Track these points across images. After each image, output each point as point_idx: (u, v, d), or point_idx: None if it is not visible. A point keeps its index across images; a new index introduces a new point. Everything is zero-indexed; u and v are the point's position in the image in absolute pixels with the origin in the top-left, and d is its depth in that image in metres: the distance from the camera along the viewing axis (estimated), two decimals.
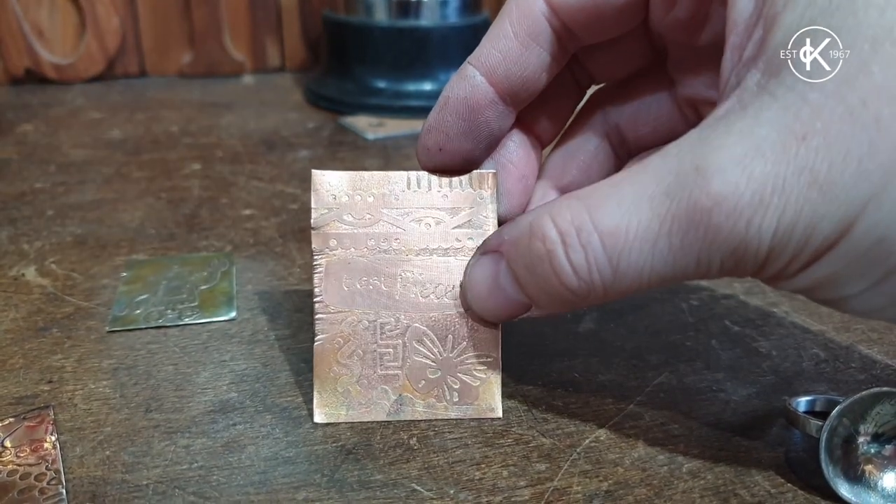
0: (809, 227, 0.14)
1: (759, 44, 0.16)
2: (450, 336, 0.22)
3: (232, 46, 0.66)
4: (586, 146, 0.23)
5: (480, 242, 0.21)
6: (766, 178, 0.14)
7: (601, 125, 0.23)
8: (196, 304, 0.28)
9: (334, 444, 0.21)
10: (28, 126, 0.51)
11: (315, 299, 0.22)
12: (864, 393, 0.18)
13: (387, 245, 0.22)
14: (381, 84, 0.55)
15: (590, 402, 0.23)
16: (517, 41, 0.20)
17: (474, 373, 0.22)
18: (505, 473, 0.20)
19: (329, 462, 0.20)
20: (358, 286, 0.22)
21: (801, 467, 0.20)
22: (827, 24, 0.14)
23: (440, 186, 0.22)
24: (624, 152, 0.24)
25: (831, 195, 0.14)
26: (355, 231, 0.22)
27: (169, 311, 0.27)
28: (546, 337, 0.26)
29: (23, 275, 0.30)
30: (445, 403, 0.22)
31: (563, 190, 0.24)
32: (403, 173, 0.22)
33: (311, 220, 0.22)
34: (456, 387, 0.22)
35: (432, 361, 0.22)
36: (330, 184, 0.22)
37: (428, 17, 0.55)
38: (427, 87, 0.55)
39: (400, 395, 0.22)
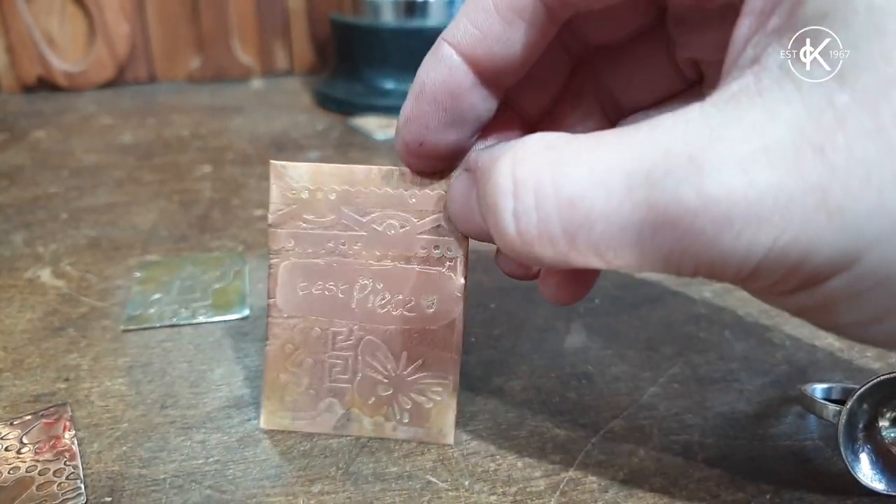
0: (807, 253, 0.12)
1: (788, 14, 0.13)
2: (405, 352, 0.20)
3: (240, 51, 0.67)
4: (575, 115, 0.21)
5: (447, 251, 0.20)
6: (770, 189, 0.12)
7: (591, 91, 0.21)
8: (209, 302, 0.28)
9: (349, 438, 0.21)
10: (41, 133, 0.51)
11: (268, 301, 0.20)
12: (882, 377, 0.18)
13: (346, 248, 0.20)
14: (390, 85, 0.56)
15: (604, 393, 0.23)
16: (499, 16, 0.17)
17: (428, 394, 0.20)
18: (519, 465, 0.20)
19: (344, 455, 0.20)
20: (313, 291, 0.20)
21: (818, 455, 0.20)
22: None
23: (409, 185, 0.20)
24: (618, 118, 0.21)
25: (840, 223, 0.12)
26: (314, 231, 0.20)
27: (183, 310, 0.27)
28: (559, 330, 0.26)
29: (38, 276, 0.30)
30: (394, 423, 0.20)
31: None
32: (370, 168, 0.20)
33: (269, 217, 0.20)
34: (407, 407, 0.20)
35: (384, 378, 0.20)
36: (290, 177, 0.20)
37: (435, 17, 0.55)
38: None
39: (348, 409, 0.20)
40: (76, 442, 0.20)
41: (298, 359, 0.21)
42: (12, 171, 0.43)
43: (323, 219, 0.20)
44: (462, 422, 0.21)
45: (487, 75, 0.18)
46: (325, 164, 0.20)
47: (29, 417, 0.21)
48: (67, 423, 0.21)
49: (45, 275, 0.30)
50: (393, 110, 0.54)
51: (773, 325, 0.26)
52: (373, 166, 0.20)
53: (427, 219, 0.20)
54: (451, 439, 0.20)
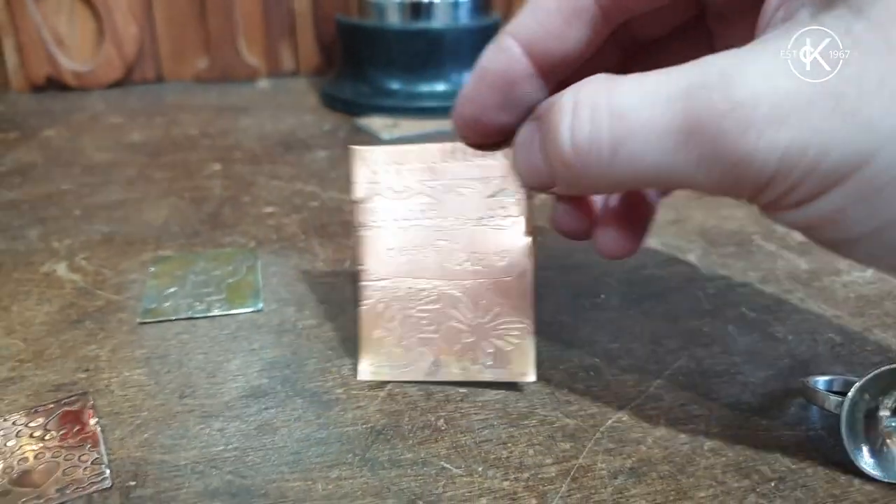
0: (823, 152, 0.14)
1: None
2: (483, 302, 0.23)
3: (247, 52, 0.67)
4: None
5: (513, 212, 0.22)
6: (789, 94, 0.14)
7: None
8: (223, 296, 0.28)
9: (364, 426, 0.21)
10: (51, 131, 0.52)
11: (359, 268, 0.23)
12: (884, 368, 0.18)
13: (423, 216, 0.23)
14: (395, 85, 0.56)
15: (611, 384, 0.23)
16: (560, 16, 0.19)
17: (507, 338, 0.22)
18: (531, 452, 0.20)
19: (360, 442, 0.21)
20: (398, 256, 0.23)
21: (821, 444, 0.20)
22: None
23: (474, 157, 0.22)
24: None
25: (854, 122, 0.14)
26: (395, 204, 0.23)
27: (197, 304, 0.28)
28: (566, 325, 0.27)
29: (54, 270, 0.31)
30: (480, 366, 0.23)
31: None
32: (440, 145, 0.23)
33: (354, 195, 0.23)
34: (490, 351, 0.23)
35: (466, 327, 0.23)
36: (370, 159, 0.23)
37: (440, 19, 0.56)
38: (440, 87, 0.56)
39: (437, 357, 0.23)
40: (99, 429, 0.21)
41: (389, 315, 0.23)
42: (24, 169, 0.44)
43: (401, 192, 0.23)
44: (473, 411, 0.22)
45: (544, 68, 0.20)
46: (401, 145, 0.23)
47: (52, 406, 0.22)
48: (90, 411, 0.22)
49: (61, 269, 0.31)
50: (398, 111, 0.54)
51: (775, 321, 0.27)
52: (443, 143, 0.23)
53: (492, 184, 0.22)
54: (532, 377, 0.22)
